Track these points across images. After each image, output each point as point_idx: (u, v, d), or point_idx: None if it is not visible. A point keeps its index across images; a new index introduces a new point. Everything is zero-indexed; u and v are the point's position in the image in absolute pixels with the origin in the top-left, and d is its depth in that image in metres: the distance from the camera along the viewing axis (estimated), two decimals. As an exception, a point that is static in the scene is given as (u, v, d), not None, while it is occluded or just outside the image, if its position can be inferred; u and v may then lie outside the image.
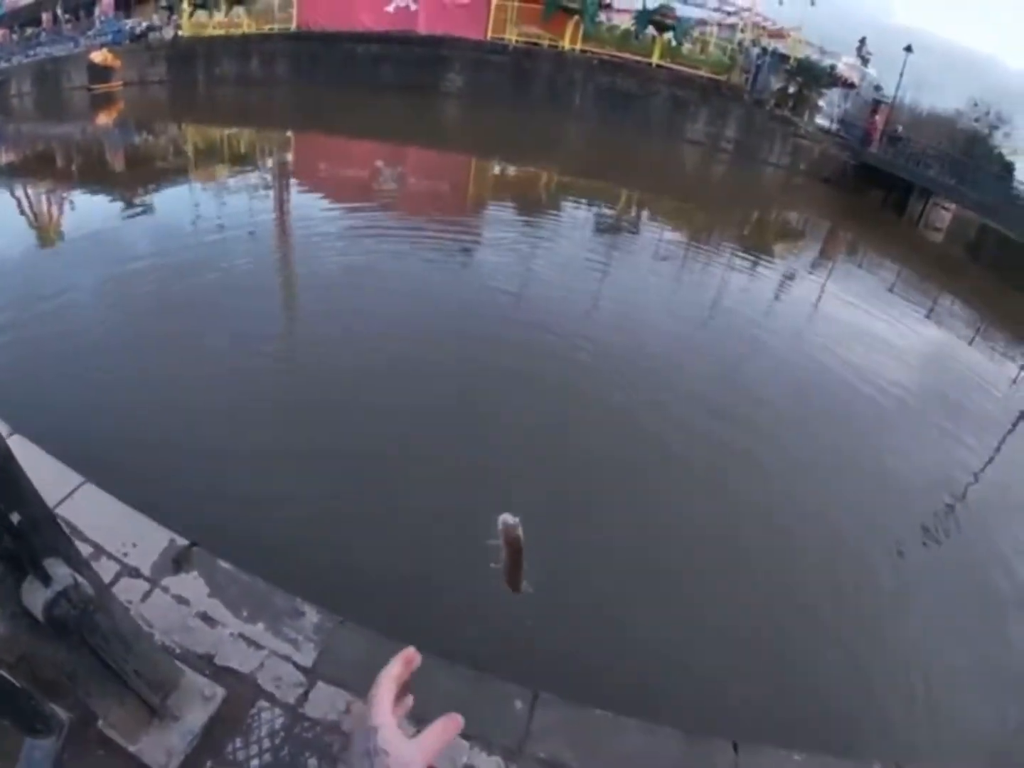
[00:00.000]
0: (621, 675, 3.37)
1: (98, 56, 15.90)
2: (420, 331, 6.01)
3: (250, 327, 5.77)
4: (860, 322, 8.81)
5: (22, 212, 8.31)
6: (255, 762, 2.29)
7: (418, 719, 2.38)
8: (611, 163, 15.49)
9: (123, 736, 2.23)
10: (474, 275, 8.04)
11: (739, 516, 4.47)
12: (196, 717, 2.31)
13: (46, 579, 1.73)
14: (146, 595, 2.59)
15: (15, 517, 1.63)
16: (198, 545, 2.79)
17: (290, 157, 12.99)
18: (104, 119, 14.42)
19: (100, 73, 15.82)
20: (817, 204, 16.74)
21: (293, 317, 6.51)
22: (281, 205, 9.54)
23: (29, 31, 16.98)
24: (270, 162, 12.27)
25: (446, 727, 0.79)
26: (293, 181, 11.04)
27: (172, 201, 9.23)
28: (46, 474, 2.88)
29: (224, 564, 2.77)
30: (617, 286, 8.35)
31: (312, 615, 2.69)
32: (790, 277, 10.58)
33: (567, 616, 3.54)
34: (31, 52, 16.33)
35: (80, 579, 1.81)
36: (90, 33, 16.94)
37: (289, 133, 14.01)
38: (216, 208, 9.15)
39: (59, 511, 2.76)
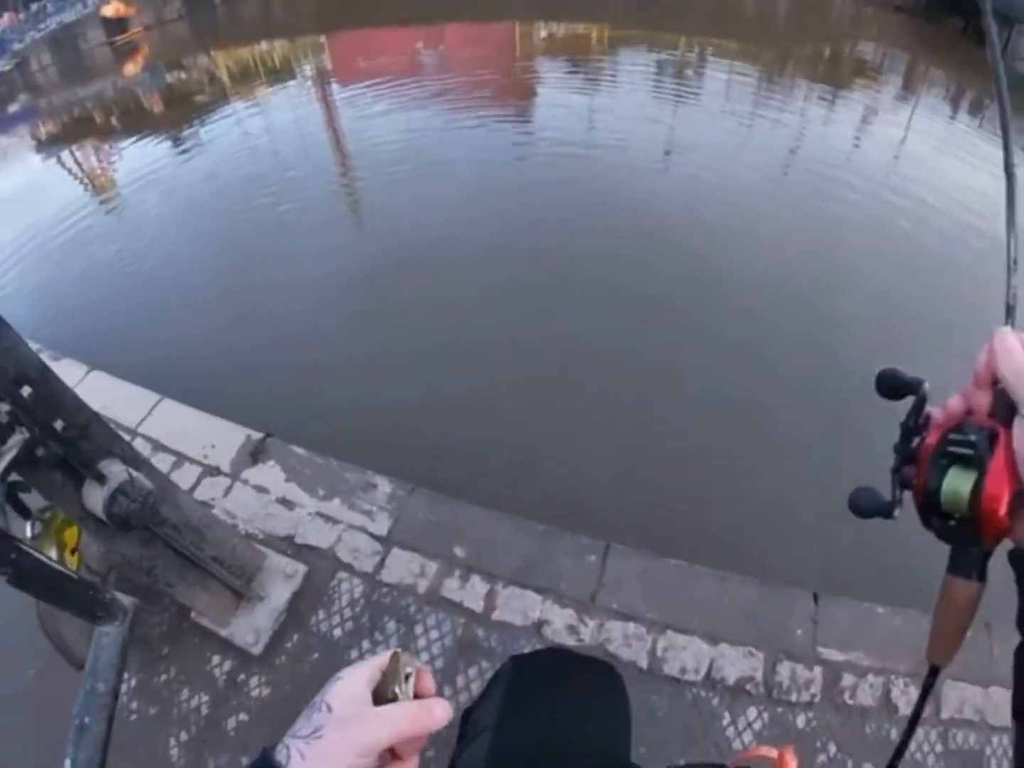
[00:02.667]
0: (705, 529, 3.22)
1: (109, 9, 15.68)
2: (493, 211, 5.71)
3: (323, 234, 5.76)
4: (949, 162, 7.44)
5: (74, 175, 8.64)
6: (337, 630, 2.41)
7: (488, 574, 2.49)
8: (666, 9, 13.95)
9: (214, 622, 2.42)
10: (538, 143, 7.48)
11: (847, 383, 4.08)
12: (280, 595, 2.46)
13: (101, 479, 1.84)
14: (228, 490, 2.77)
15: (59, 424, 1.73)
16: (272, 436, 2.94)
17: (327, 60, 12.45)
18: (131, 68, 14.41)
19: (116, 25, 15.52)
20: (891, 35, 14.04)
21: (362, 213, 6.45)
22: (328, 108, 9.26)
23: (35, 6, 17.00)
24: (308, 69, 11.88)
25: (424, 713, 0.62)
26: (334, 82, 10.66)
27: (219, 130, 9.17)
28: (126, 397, 3.14)
29: (298, 450, 2.88)
30: (687, 138, 7.51)
31: (384, 486, 2.75)
32: (871, 115, 9.25)
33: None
34: (41, 26, 16.40)
35: (135, 474, 1.90)
36: (98, -11, 16.74)
37: (321, 37, 13.48)
38: (264, 126, 9.06)
39: (140, 429, 2.99)
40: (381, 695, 0.63)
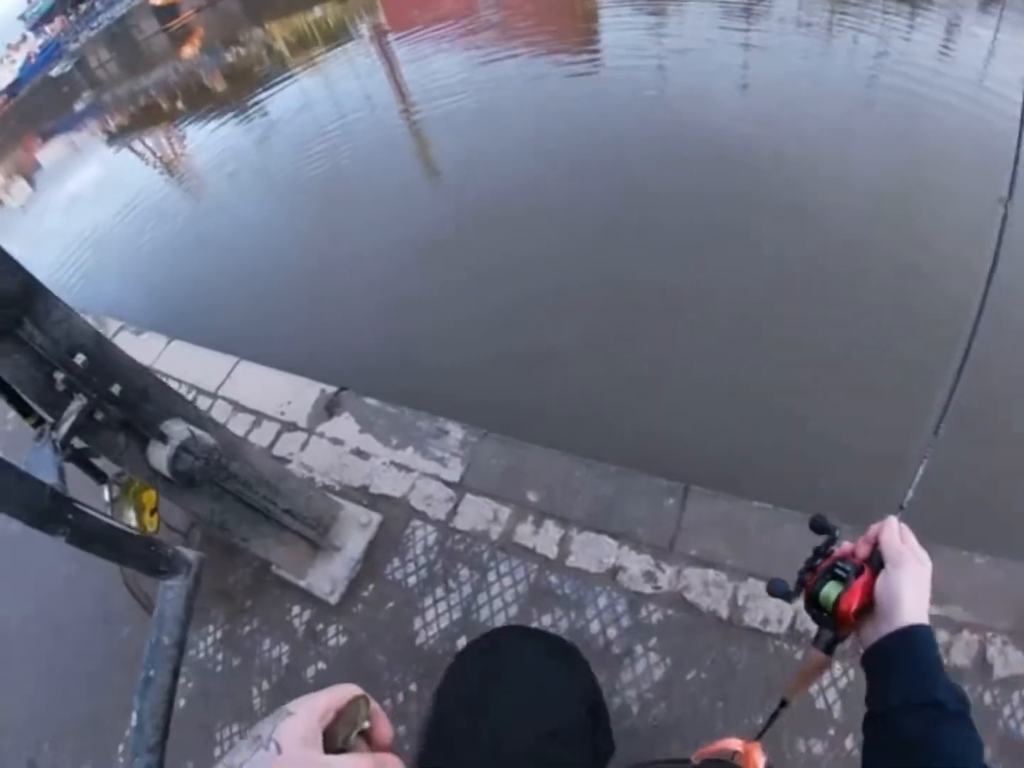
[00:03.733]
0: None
1: None
2: (566, 156, 5.39)
3: (392, 189, 5.66)
4: None
5: (146, 160, 8.85)
6: (412, 579, 2.40)
7: (562, 519, 2.40)
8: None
9: (292, 573, 2.46)
10: (607, 83, 6.99)
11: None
12: (356, 544, 2.47)
13: (164, 438, 1.89)
14: (304, 444, 2.81)
15: (116, 389, 1.78)
16: (346, 389, 2.94)
17: (382, 15, 12.11)
18: (189, 51, 14.48)
19: (167, 12, 15.90)
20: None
21: (428, 164, 6.32)
22: (389, 64, 9.03)
23: (83, 6, 17.14)
24: (364, 28, 11.54)
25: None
26: (392, 37, 10.34)
27: (282, 100, 9.13)
28: (206, 363, 3.24)
29: (371, 401, 2.87)
30: (762, 67, 6.85)
31: (456, 432, 2.71)
32: (954, 26, 8.08)
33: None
34: (93, 24, 16.69)
35: (198, 432, 1.95)
36: (142, -19, 16.92)
37: None
38: (327, 92, 9.01)
39: (221, 392, 3.08)
40: (331, 739, 0.57)
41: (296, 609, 2.49)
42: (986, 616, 2.21)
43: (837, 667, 2.17)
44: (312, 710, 0.56)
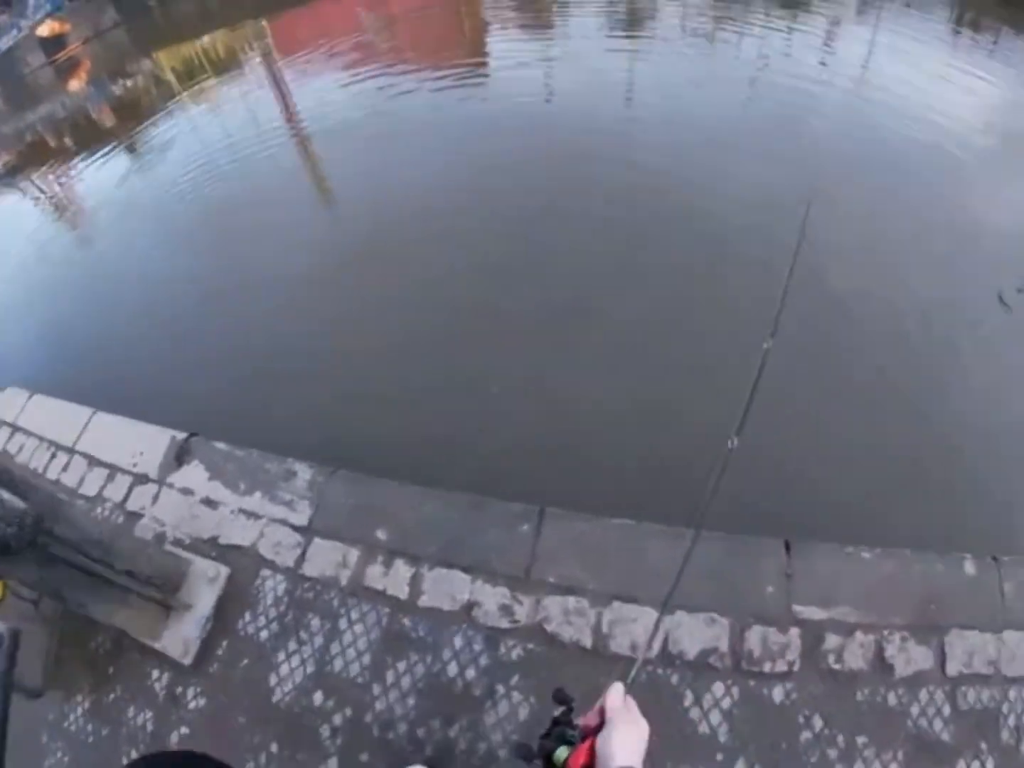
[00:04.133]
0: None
1: (45, 29, 15.14)
2: (466, 171, 5.31)
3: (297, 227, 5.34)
4: (923, 73, 6.78)
5: (39, 203, 8.54)
6: (264, 632, 2.29)
7: (412, 557, 2.27)
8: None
9: (145, 636, 2.35)
10: (499, 98, 6.89)
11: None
12: (206, 601, 2.36)
13: None
14: (155, 497, 2.67)
15: None
16: (196, 435, 2.81)
17: (272, 42, 11.64)
18: (76, 84, 13.74)
19: (54, 43, 14.75)
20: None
21: (326, 202, 5.98)
22: (279, 89, 8.66)
23: None
24: (254, 55, 11.04)
25: None
26: (282, 63, 9.95)
27: (171, 132, 8.60)
28: (64, 416, 3.10)
29: (220, 445, 2.73)
30: (649, 76, 6.83)
31: (304, 472, 2.57)
32: (833, 27, 8.06)
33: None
34: None
35: (7, 496, 1.84)
36: (28, 12, 15.83)
37: (262, 21, 12.52)
38: (217, 121, 8.60)
39: (78, 446, 2.94)
40: None
41: (155, 673, 2.39)
42: (880, 614, 2.09)
43: (720, 688, 2.06)
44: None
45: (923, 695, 2.01)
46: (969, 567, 2.10)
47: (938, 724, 1.96)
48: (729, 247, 4.11)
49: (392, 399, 3.42)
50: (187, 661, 2.31)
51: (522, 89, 6.72)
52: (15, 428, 3.19)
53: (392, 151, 6.03)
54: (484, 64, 8.07)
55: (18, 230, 7.43)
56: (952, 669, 1.99)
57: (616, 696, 1.06)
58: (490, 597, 2.19)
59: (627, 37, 8.15)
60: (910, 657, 2.02)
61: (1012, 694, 1.97)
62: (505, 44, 8.48)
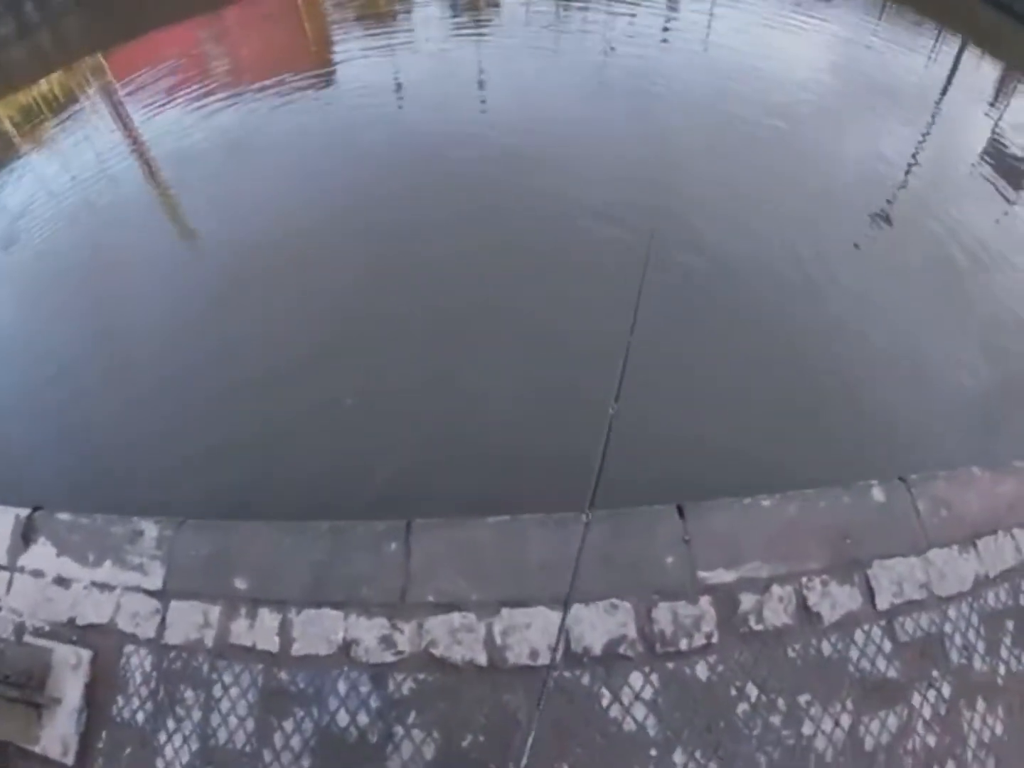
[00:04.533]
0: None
1: None
2: (328, 183, 5.09)
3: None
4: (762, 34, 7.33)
5: None
6: (140, 715, 2.06)
7: (277, 602, 2.01)
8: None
9: (23, 740, 2.13)
10: (350, 105, 6.62)
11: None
12: (74, 692, 2.12)
13: None
14: (8, 585, 2.39)
15: None
16: (40, 508, 2.52)
17: (111, 76, 10.75)
18: None
19: None
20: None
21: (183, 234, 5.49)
22: (124, 125, 7.97)
23: None
24: (94, 91, 10.19)
25: None
26: (125, 96, 9.18)
27: (14, 184, 8.24)
28: None
29: (63, 516, 2.44)
30: (498, 71, 6.65)
31: (151, 529, 2.28)
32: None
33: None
34: None
35: None
36: None
37: (98, 56, 11.55)
38: (62, 164, 7.71)
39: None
40: None
41: (43, 778, 2.16)
42: (794, 562, 1.84)
43: (638, 678, 1.83)
44: None
45: (859, 636, 1.81)
46: (878, 494, 1.85)
47: (881, 663, 1.77)
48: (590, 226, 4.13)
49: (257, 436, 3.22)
50: (69, 761, 2.10)
51: (375, 90, 6.59)
52: None
53: (247, 171, 5.74)
54: (331, 68, 7.86)
55: None
56: (883, 602, 1.79)
57: None
58: (367, 631, 1.95)
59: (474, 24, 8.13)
60: (835, 600, 1.80)
61: (952, 612, 1.79)
62: (352, 44, 8.28)
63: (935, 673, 1.79)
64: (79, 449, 3.42)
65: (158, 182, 6.55)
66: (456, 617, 1.92)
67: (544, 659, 1.82)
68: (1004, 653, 1.83)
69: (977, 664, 1.81)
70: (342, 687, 1.93)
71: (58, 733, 2.12)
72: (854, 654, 1.78)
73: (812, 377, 3.17)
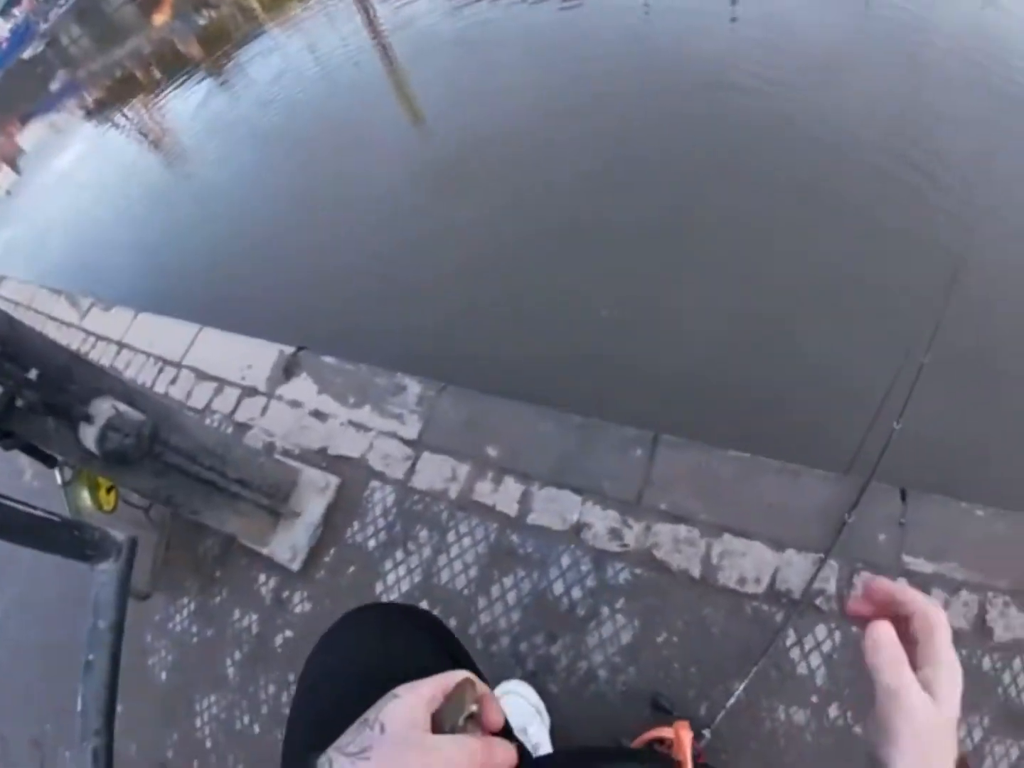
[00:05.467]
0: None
1: None
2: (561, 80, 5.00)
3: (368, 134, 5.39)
4: None
5: (134, 138, 8.56)
6: (372, 542, 2.32)
7: (523, 475, 2.28)
8: None
9: (254, 542, 2.40)
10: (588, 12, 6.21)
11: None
12: (315, 509, 2.39)
13: (89, 419, 1.82)
14: (264, 409, 2.72)
15: (33, 373, 1.71)
16: (305, 348, 2.84)
17: None
18: (161, 18, 13.32)
19: None
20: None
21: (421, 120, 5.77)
22: (366, 12, 8.42)
23: None
24: None
25: (485, 753, 0.55)
26: None
27: (256, 56, 8.61)
28: (170, 332, 3.18)
29: (328, 359, 2.75)
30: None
31: (414, 387, 2.58)
32: None
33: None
34: (61, 1, 15.81)
35: (123, 408, 1.87)
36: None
37: None
38: (306, 46, 8.37)
39: (185, 360, 3.03)
40: (440, 723, 0.57)
41: (262, 577, 2.44)
42: (987, 574, 2.01)
43: (823, 631, 2.03)
44: (419, 694, 0.57)
45: (1017, 664, 1.94)
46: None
47: (1029, 697, 1.90)
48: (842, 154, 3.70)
49: (499, 319, 3.40)
50: (295, 567, 2.35)
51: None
52: (122, 345, 3.29)
53: (481, 62, 5.84)
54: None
55: (113, 159, 7.54)
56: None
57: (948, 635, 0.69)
58: (600, 520, 2.18)
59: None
60: (1010, 623, 1.93)
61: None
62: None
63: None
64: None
65: (391, 61, 6.93)
66: (682, 528, 2.14)
67: (750, 588, 2.01)
68: None
69: None
70: (565, 560, 2.16)
71: (290, 542, 2.37)
72: (1007, 678, 1.92)
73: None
